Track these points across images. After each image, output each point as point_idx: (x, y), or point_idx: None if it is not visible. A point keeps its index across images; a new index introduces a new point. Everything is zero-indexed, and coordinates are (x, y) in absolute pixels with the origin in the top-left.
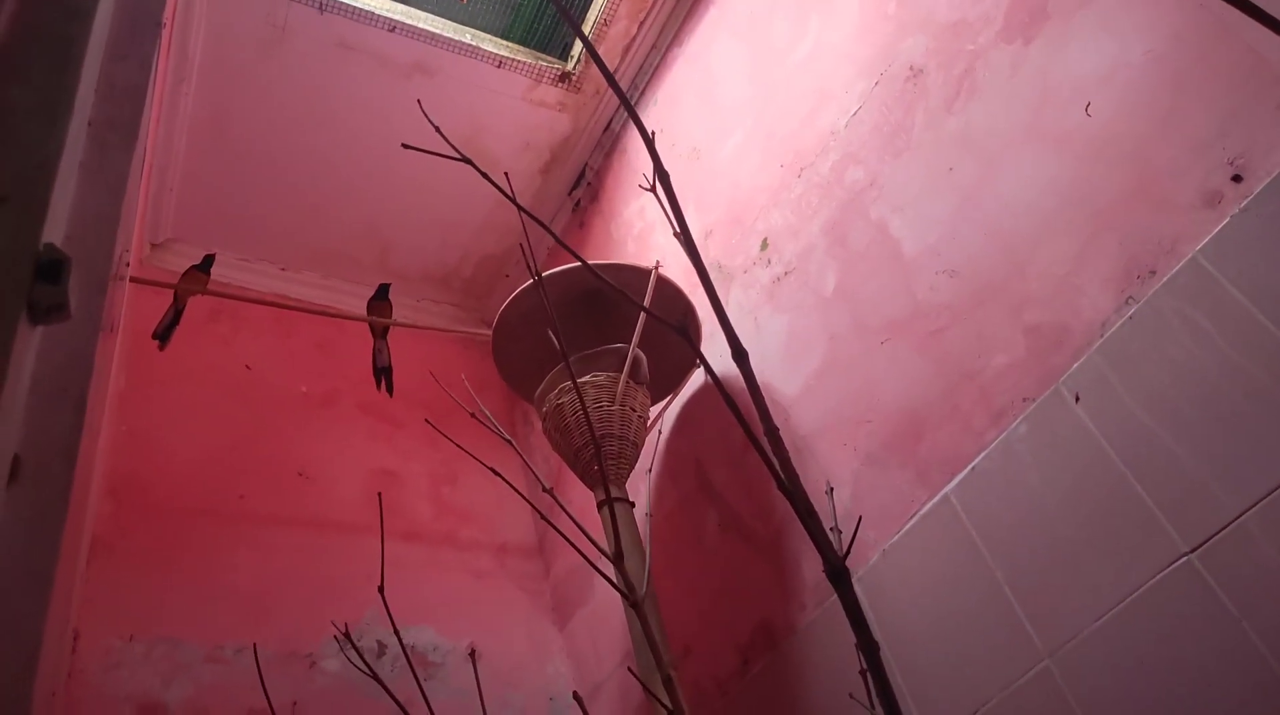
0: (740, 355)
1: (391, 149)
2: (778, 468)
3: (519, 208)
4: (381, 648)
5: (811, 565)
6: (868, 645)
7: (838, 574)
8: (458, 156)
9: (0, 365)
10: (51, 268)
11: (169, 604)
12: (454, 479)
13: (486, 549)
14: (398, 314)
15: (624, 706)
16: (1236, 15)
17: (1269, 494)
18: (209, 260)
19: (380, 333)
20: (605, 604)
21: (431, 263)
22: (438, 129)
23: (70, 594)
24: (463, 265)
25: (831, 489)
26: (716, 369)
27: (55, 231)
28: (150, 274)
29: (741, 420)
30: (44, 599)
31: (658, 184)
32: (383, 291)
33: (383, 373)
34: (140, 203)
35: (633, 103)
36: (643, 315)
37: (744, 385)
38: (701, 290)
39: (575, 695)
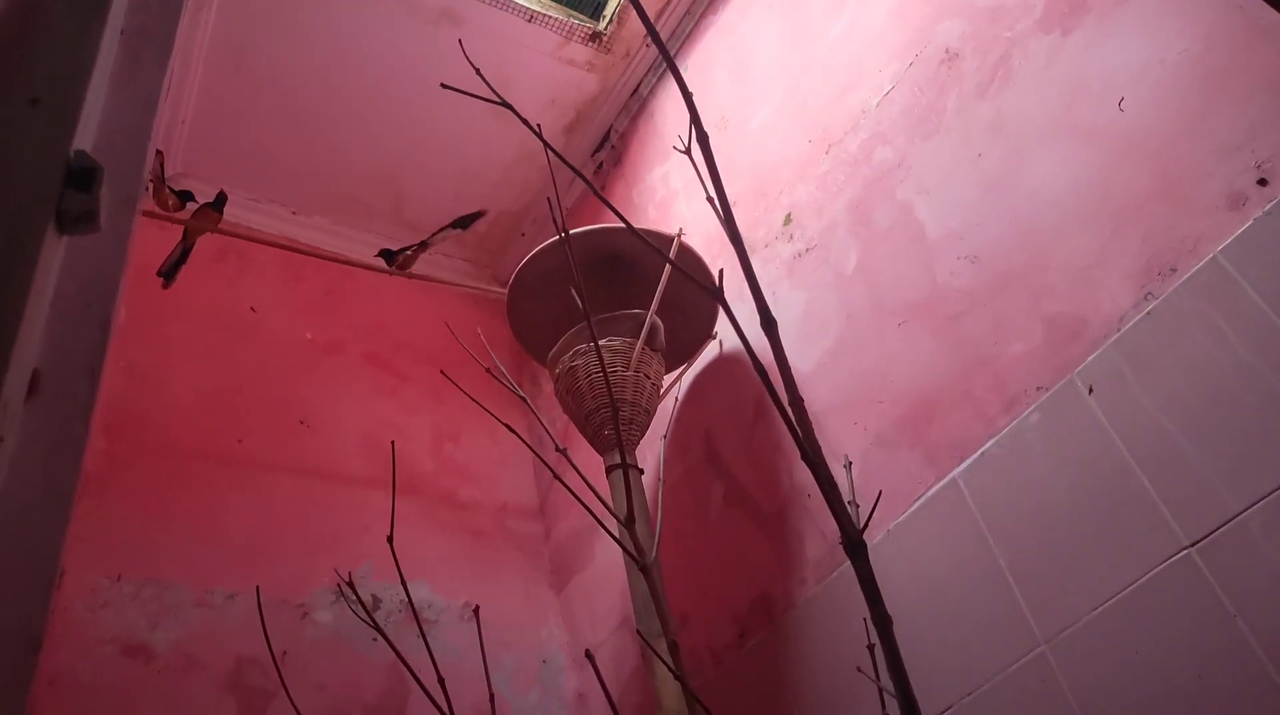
0: (769, 323)
1: (413, 97)
2: (802, 438)
3: (554, 153)
4: (376, 601)
5: (813, 542)
6: (881, 619)
7: (855, 546)
8: (497, 100)
9: (25, 272)
10: (83, 175)
11: (159, 545)
12: (457, 436)
13: (486, 508)
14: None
15: (618, 672)
16: (1273, 20)
17: (1270, 493)
18: (222, 198)
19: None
20: (604, 569)
21: (447, 216)
22: (478, 71)
23: None
24: (478, 221)
25: (850, 463)
26: (732, 340)
27: (85, 140)
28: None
29: (770, 387)
30: (64, 519)
31: (694, 145)
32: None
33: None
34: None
35: (661, 68)
36: (662, 281)
37: (766, 355)
38: (721, 261)
39: (587, 653)
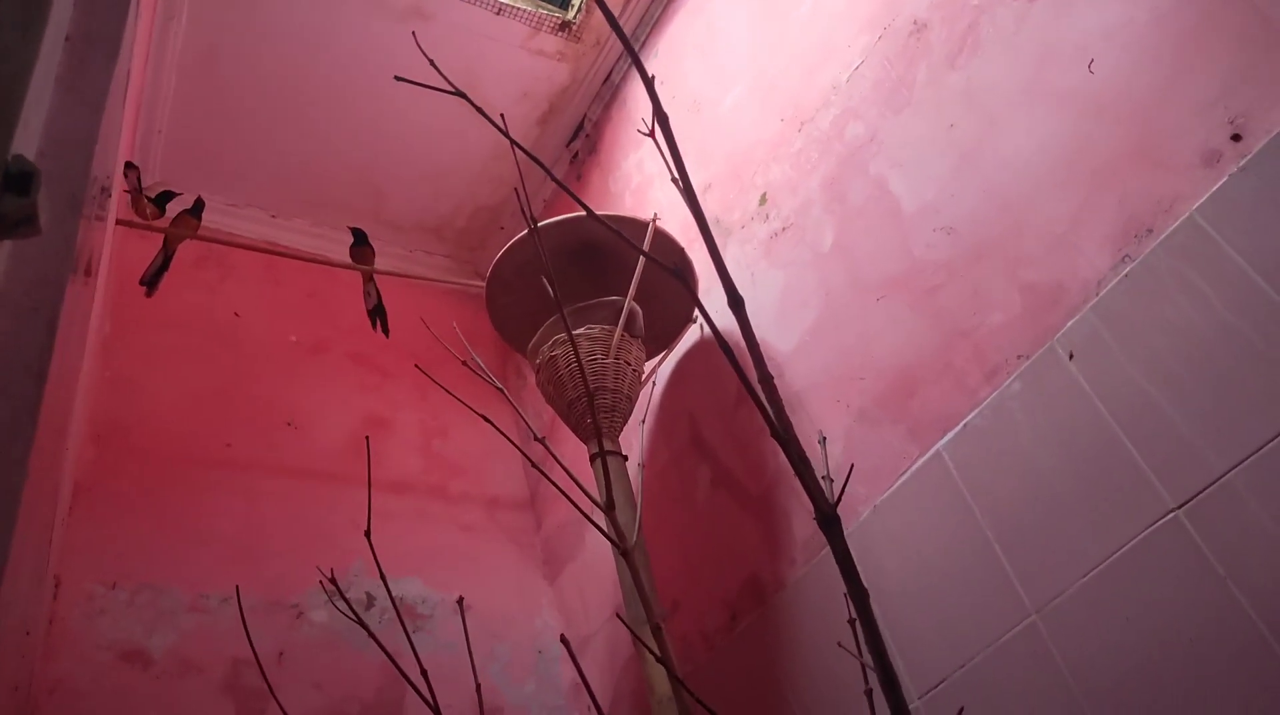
0: (736, 302)
1: (386, 95)
2: (771, 415)
3: (515, 144)
4: (370, 599)
5: (801, 522)
6: (857, 593)
7: (829, 521)
8: (452, 90)
9: None
10: (20, 179)
11: (152, 551)
12: (444, 431)
13: (476, 502)
14: (389, 263)
15: (611, 660)
16: None
17: (1255, 451)
18: (199, 205)
19: (367, 276)
20: (596, 558)
21: (425, 212)
22: (433, 63)
23: (50, 539)
24: (456, 216)
25: (824, 438)
26: (714, 322)
27: (28, 145)
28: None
29: (736, 366)
30: (12, 515)
31: (657, 128)
32: (361, 237)
33: (374, 314)
34: (125, 143)
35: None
36: (639, 268)
37: (739, 335)
38: (698, 247)
39: (562, 638)
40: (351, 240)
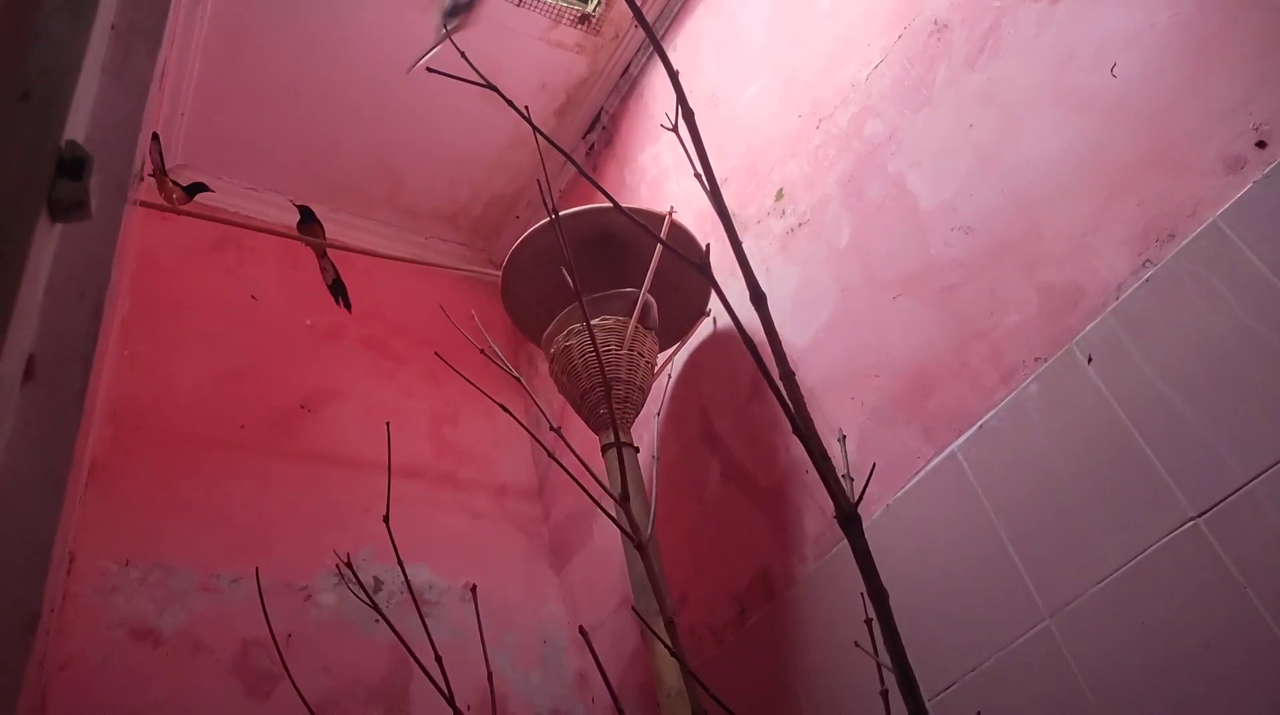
0: (759, 298)
1: (407, 83)
2: (793, 411)
3: (543, 137)
4: (377, 583)
5: (813, 517)
6: (876, 592)
7: (849, 520)
8: (483, 83)
9: (18, 260)
10: (73, 165)
11: (165, 530)
12: (455, 419)
13: (485, 490)
14: (406, 250)
15: (618, 652)
16: None
17: (1279, 461)
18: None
19: (320, 251)
20: (604, 549)
21: (442, 200)
22: (464, 55)
23: (71, 516)
24: (472, 203)
25: (844, 436)
26: (726, 316)
27: (77, 131)
28: (158, 199)
29: (759, 361)
30: (58, 500)
31: (681, 122)
32: (308, 214)
33: (335, 289)
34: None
35: (650, 48)
36: (654, 259)
37: (756, 329)
38: (712, 240)
39: (580, 629)
40: (299, 217)
